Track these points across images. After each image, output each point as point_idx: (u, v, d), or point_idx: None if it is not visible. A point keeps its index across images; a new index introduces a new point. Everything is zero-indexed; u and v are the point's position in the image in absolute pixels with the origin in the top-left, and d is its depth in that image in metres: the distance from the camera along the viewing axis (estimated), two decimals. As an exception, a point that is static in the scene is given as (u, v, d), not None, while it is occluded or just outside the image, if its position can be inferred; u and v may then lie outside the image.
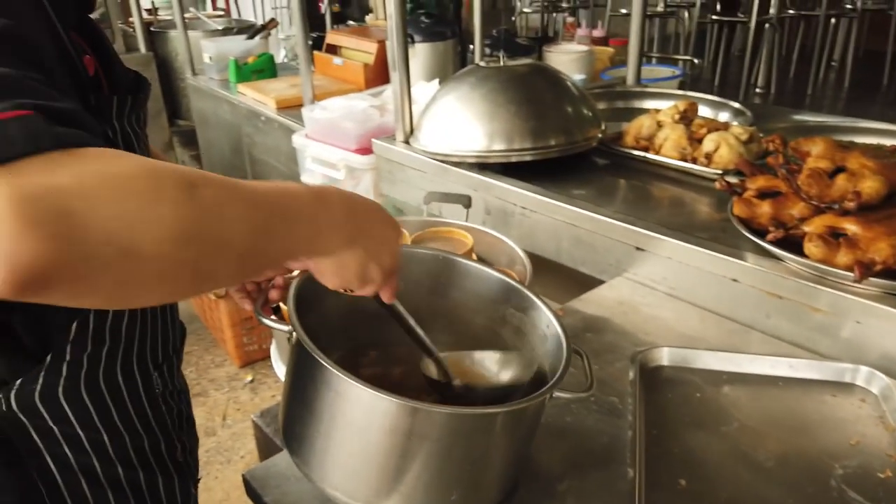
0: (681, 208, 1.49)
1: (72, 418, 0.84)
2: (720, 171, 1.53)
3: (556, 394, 0.78)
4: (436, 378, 0.86)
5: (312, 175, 2.31)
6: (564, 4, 6.35)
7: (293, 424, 0.79)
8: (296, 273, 0.82)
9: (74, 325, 0.81)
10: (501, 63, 1.75)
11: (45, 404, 0.82)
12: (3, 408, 0.80)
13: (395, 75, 1.86)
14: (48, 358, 0.81)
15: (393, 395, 0.68)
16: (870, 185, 1.10)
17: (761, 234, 1.17)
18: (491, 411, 0.77)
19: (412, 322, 0.83)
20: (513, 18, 5.94)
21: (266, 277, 0.73)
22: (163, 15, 4.81)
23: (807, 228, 1.11)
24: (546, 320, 0.88)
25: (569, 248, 1.48)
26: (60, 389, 0.82)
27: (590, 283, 1.45)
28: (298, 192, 0.61)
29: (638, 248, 1.33)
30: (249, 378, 2.71)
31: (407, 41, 1.84)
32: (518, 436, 0.81)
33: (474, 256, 1.44)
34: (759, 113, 1.95)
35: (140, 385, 0.92)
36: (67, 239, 0.43)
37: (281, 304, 0.91)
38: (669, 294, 1.30)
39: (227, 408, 2.55)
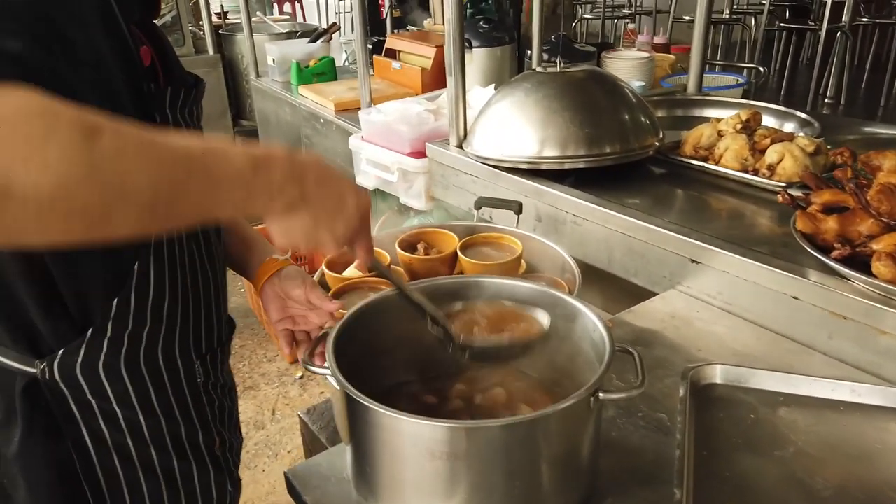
0: (739, 221, 1.44)
1: (109, 394, 0.85)
2: (783, 184, 1.47)
3: (604, 395, 0.76)
4: (440, 337, 0.88)
5: (367, 177, 2.33)
6: (625, 11, 6.25)
7: (356, 464, 0.84)
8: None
9: (115, 301, 0.82)
10: (558, 68, 1.73)
11: (85, 377, 0.83)
12: (46, 376, 0.82)
13: (451, 80, 1.86)
14: (89, 332, 0.82)
15: (416, 416, 0.70)
16: (946, 203, 1.04)
17: (825, 250, 1.12)
18: (518, 421, 0.76)
19: (402, 284, 0.87)
20: (573, 25, 5.88)
21: (184, 227, 0.73)
22: (232, 19, 4.95)
23: (875, 246, 1.05)
24: (591, 325, 0.86)
25: (621, 259, 1.45)
26: (101, 364, 0.84)
27: (642, 294, 1.41)
28: (230, 155, 0.60)
29: (693, 261, 1.29)
30: (299, 374, 2.76)
31: (464, 46, 1.84)
32: (565, 443, 0.79)
33: (523, 264, 1.42)
34: (827, 124, 1.87)
35: (182, 372, 0.92)
36: None
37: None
38: (725, 309, 1.25)
39: (277, 402, 2.60)
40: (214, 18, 4.58)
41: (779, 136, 1.59)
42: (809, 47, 5.96)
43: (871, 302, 1.05)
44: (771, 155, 1.52)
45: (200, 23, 4.46)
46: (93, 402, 0.85)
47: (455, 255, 1.39)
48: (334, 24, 3.73)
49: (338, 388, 0.76)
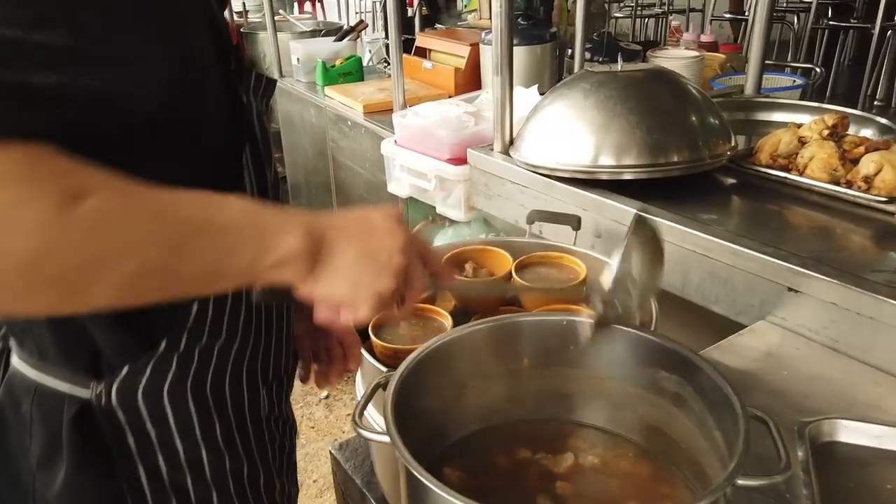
0: (833, 241, 1.26)
1: (171, 423, 0.75)
2: (884, 199, 1.30)
3: (743, 482, 0.60)
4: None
5: (400, 184, 2.18)
6: (657, 10, 6.05)
7: None
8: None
9: (195, 306, 0.72)
10: (619, 67, 1.56)
11: (147, 401, 0.73)
12: (102, 401, 0.71)
13: (497, 79, 1.70)
14: (162, 344, 0.72)
15: None
16: None
17: (962, 282, 0.95)
18: None
19: (485, 289, 1.07)
20: (605, 23, 5.69)
21: (196, 296, 0.69)
22: (253, 18, 4.82)
23: None
24: (709, 383, 0.72)
25: (698, 283, 1.28)
26: (166, 386, 0.73)
27: (720, 323, 1.24)
28: (230, 206, 0.57)
29: (791, 289, 1.11)
30: (325, 394, 2.61)
31: (512, 42, 1.68)
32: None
33: (585, 288, 1.27)
34: (900, 129, 1.68)
35: (246, 400, 0.82)
36: None
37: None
38: (832, 347, 1.08)
39: (301, 425, 2.45)
40: (235, 17, 4.46)
41: (873, 144, 1.41)
42: (851, 47, 5.72)
43: None
44: (867, 165, 1.34)
45: (222, 22, 4.33)
46: (152, 432, 0.75)
47: (508, 276, 1.24)
48: (361, 21, 3.58)
49: (403, 465, 0.61)
